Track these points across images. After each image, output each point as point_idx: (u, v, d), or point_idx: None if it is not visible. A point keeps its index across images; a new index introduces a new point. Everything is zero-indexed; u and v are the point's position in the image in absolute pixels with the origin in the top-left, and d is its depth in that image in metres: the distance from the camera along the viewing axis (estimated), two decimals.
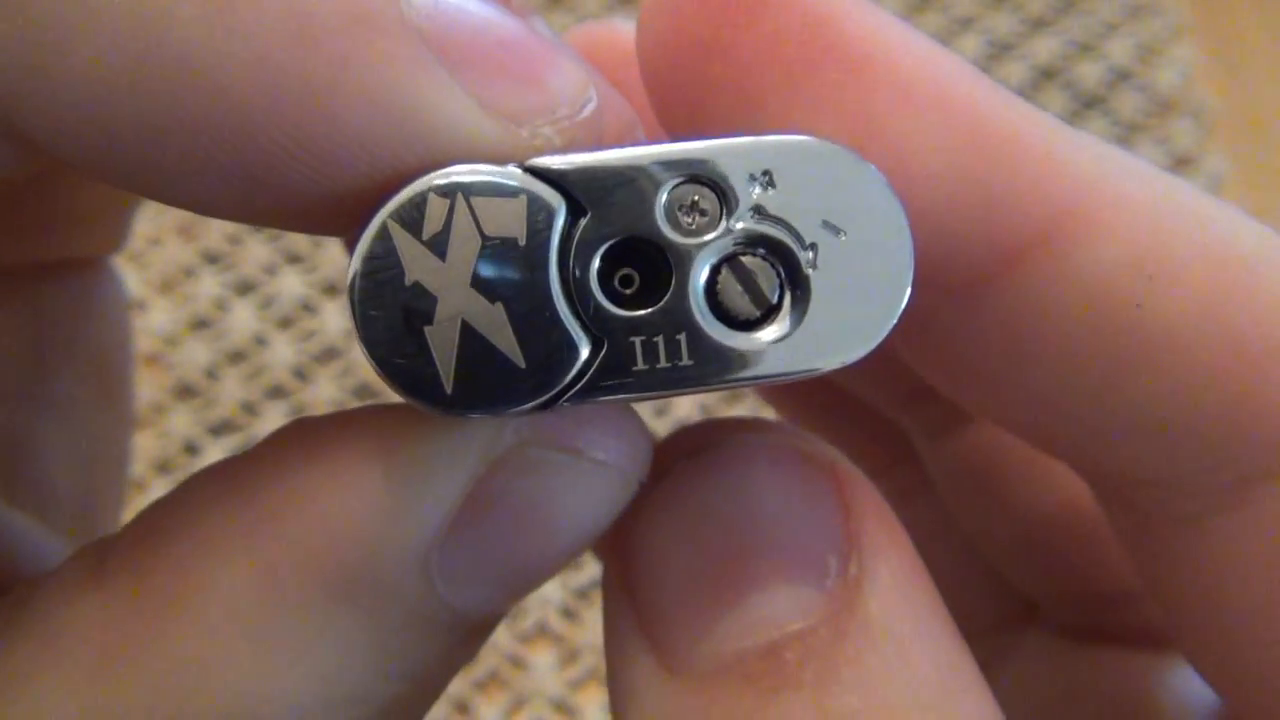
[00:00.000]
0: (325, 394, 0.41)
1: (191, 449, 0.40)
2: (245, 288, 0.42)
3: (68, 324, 0.22)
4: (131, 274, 0.42)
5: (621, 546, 0.15)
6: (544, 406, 0.13)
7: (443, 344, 0.12)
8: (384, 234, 0.12)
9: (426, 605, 0.14)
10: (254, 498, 0.14)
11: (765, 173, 0.13)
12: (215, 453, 0.40)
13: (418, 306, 0.12)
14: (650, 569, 0.14)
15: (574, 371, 0.13)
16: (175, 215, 0.44)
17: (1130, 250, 0.14)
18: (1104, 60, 0.48)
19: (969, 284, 0.14)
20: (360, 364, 0.41)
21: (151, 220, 0.43)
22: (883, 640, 0.13)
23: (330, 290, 0.43)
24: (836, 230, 0.13)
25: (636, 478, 0.15)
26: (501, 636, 0.36)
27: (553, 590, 0.37)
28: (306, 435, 0.14)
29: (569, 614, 0.37)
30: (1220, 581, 0.15)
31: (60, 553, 0.19)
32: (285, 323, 0.42)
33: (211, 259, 0.43)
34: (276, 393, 0.41)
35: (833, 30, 0.14)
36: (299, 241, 0.44)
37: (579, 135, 0.13)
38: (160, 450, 0.40)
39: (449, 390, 0.13)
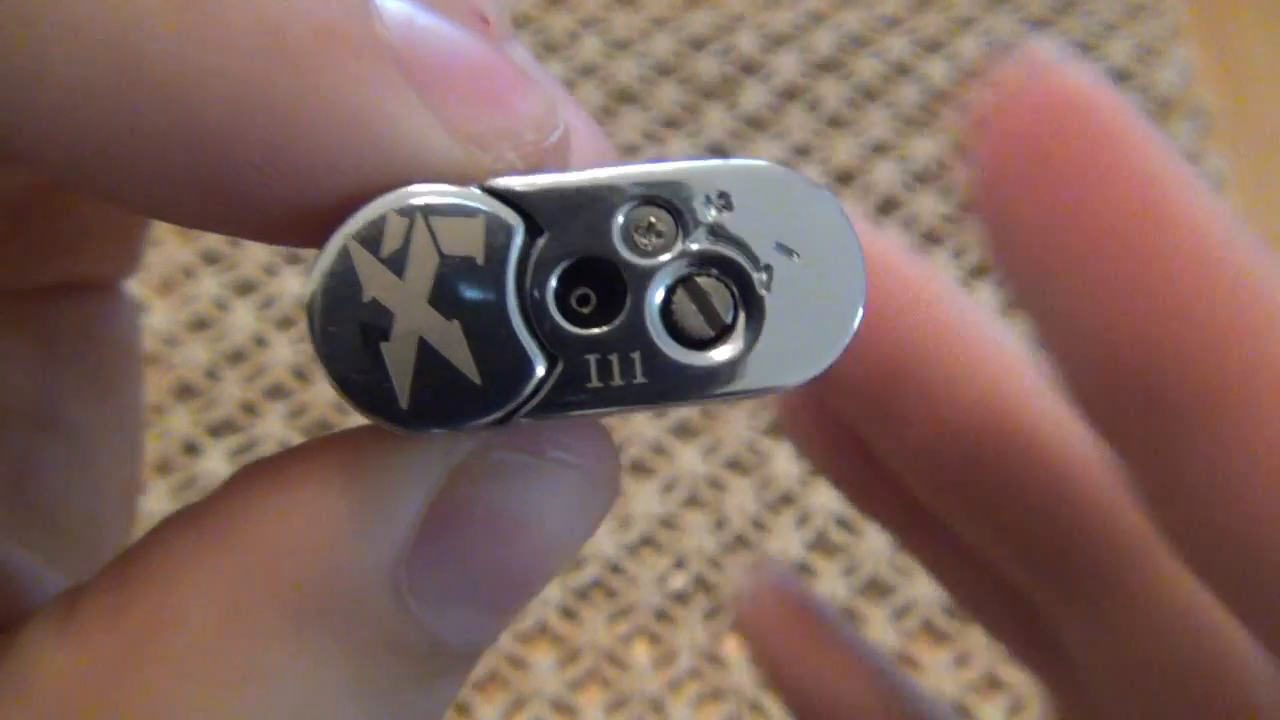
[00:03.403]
0: (325, 394, 0.41)
1: (191, 449, 0.40)
2: (245, 288, 0.42)
3: (77, 350, 0.21)
4: None
5: None
6: (500, 422, 0.13)
7: (399, 360, 0.13)
8: (343, 251, 0.12)
9: (402, 628, 0.14)
10: (217, 533, 0.14)
11: (721, 195, 0.13)
12: (215, 453, 0.40)
13: (375, 323, 0.13)
14: None
15: (530, 388, 0.13)
16: None
17: None
18: (1104, 60, 0.48)
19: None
20: None
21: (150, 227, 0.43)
22: None
23: None
24: (790, 252, 0.13)
25: (605, 481, 0.15)
26: (501, 636, 0.36)
27: (553, 590, 0.37)
28: (266, 468, 0.14)
29: (569, 614, 0.37)
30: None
31: (61, 588, 0.19)
32: (285, 323, 0.42)
33: (211, 259, 0.43)
34: (276, 393, 0.41)
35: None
36: None
37: (543, 161, 0.13)
38: (160, 450, 0.40)
39: (405, 405, 0.13)
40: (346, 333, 0.13)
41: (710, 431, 0.40)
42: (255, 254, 0.43)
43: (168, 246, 0.43)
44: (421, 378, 0.13)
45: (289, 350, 0.41)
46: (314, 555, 0.13)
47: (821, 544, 0.38)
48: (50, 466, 0.20)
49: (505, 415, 0.13)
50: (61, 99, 0.12)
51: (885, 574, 0.37)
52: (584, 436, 0.15)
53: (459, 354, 0.13)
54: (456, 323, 0.13)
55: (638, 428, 0.39)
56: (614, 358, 0.13)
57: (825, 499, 0.38)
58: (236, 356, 0.41)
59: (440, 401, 0.13)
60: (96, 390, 0.22)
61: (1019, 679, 0.36)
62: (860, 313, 0.13)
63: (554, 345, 0.13)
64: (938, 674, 0.36)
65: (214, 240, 0.43)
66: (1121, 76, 0.48)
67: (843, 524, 0.38)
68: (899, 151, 0.45)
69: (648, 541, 0.38)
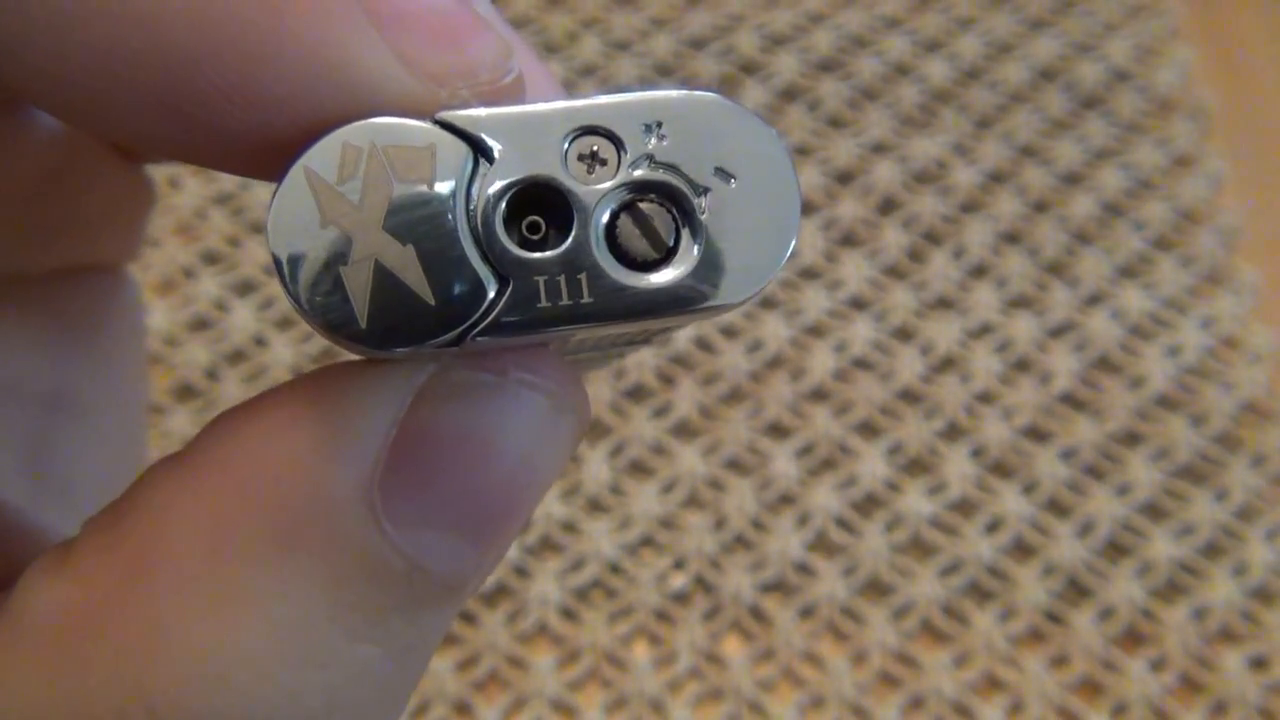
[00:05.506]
0: None
1: None
2: (245, 288, 0.42)
3: (86, 331, 0.22)
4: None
5: None
6: (455, 342, 0.14)
7: (357, 283, 0.13)
8: (302, 179, 0.13)
9: (379, 551, 0.14)
10: (198, 468, 0.14)
11: (659, 124, 0.14)
12: None
13: (333, 248, 0.13)
14: None
15: (481, 308, 0.14)
16: (175, 216, 0.44)
17: None
18: (1103, 60, 0.48)
19: None
20: None
21: (151, 221, 0.43)
22: None
23: None
24: (728, 176, 0.14)
25: (571, 404, 0.15)
26: (501, 636, 0.36)
27: (552, 590, 0.37)
28: (240, 409, 0.15)
29: (569, 614, 0.37)
30: None
31: None
32: (285, 323, 0.42)
33: (211, 259, 0.43)
34: None
35: None
36: None
37: (497, 100, 0.14)
38: (161, 451, 0.40)
39: (363, 326, 0.13)
40: (306, 257, 0.13)
41: (710, 431, 0.40)
42: (255, 254, 0.43)
43: (168, 247, 0.43)
44: (378, 299, 0.13)
45: (289, 351, 0.41)
46: (287, 479, 0.14)
47: (821, 544, 0.38)
48: (64, 443, 0.21)
49: (459, 334, 0.14)
50: (47, 21, 0.12)
51: (885, 574, 0.37)
52: (546, 360, 0.15)
53: (413, 276, 0.13)
54: (411, 247, 0.13)
55: (638, 428, 0.39)
56: (561, 279, 0.14)
57: (825, 499, 0.38)
58: (236, 357, 0.41)
59: (397, 322, 0.13)
60: (105, 370, 0.22)
61: (1019, 679, 0.36)
62: (797, 231, 0.14)
63: (504, 267, 0.14)
64: (937, 674, 0.36)
65: (214, 240, 0.43)
66: (1121, 76, 0.48)
67: (843, 524, 0.38)
68: (899, 151, 0.45)
69: (647, 542, 0.38)
